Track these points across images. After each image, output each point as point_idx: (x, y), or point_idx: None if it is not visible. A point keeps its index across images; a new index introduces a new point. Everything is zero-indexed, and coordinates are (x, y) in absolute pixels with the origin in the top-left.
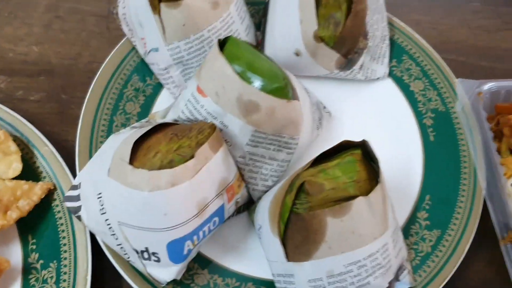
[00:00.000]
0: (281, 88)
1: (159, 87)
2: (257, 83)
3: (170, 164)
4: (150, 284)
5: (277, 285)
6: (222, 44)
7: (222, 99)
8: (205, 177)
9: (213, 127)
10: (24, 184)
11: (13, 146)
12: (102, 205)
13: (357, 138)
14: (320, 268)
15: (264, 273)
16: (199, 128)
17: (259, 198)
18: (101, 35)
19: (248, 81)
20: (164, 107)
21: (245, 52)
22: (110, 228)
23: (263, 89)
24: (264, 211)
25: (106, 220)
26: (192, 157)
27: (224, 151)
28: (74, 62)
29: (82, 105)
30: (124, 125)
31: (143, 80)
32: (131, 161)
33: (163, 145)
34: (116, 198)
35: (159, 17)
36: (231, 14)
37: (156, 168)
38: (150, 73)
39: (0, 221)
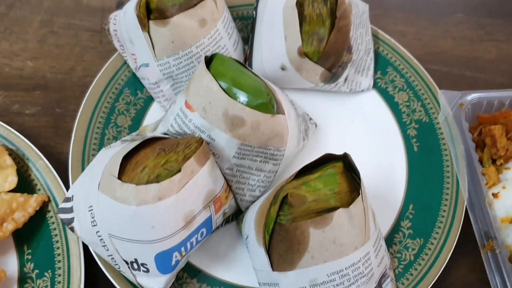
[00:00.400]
0: (265, 104)
1: (150, 100)
2: (242, 98)
3: (157, 179)
4: None
5: None
6: (209, 61)
7: (209, 114)
8: (192, 190)
9: (200, 141)
10: (19, 197)
11: (8, 160)
12: (93, 217)
13: (342, 149)
14: (303, 277)
15: (251, 282)
16: (186, 143)
17: (247, 208)
18: (95, 50)
19: (234, 97)
20: (155, 120)
21: (231, 69)
22: (101, 239)
23: (248, 104)
24: (250, 222)
25: (97, 232)
26: (178, 171)
27: (211, 164)
28: (68, 77)
29: (76, 119)
30: (115, 138)
31: (135, 94)
32: (120, 176)
33: (151, 160)
34: (106, 212)
35: (149, 34)
36: (218, 31)
37: (143, 183)
38: (141, 86)
39: None
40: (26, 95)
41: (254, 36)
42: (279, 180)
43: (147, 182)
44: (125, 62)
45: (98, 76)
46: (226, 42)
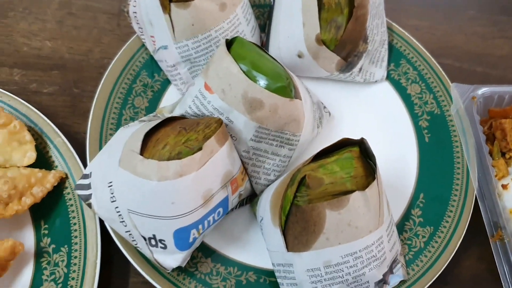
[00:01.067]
0: (284, 87)
1: (166, 83)
2: (262, 81)
3: (178, 156)
4: (156, 270)
5: (276, 274)
6: (229, 44)
7: (228, 96)
8: (211, 169)
9: (219, 122)
10: (38, 172)
11: (28, 136)
12: (112, 193)
13: (355, 137)
14: (318, 258)
15: (264, 263)
16: (206, 123)
17: (261, 191)
18: (112, 32)
19: (253, 79)
20: (171, 103)
21: (251, 52)
22: (119, 215)
23: (267, 87)
24: (266, 204)
25: (116, 207)
26: (199, 149)
27: (230, 145)
28: (86, 58)
29: (93, 99)
30: (132, 119)
31: (152, 76)
32: (141, 153)
33: (172, 138)
34: (126, 187)
35: (169, 16)
36: (237, 16)
37: (164, 159)
38: (158, 69)
39: (15, 207)
40: (44, 75)
41: (272, 23)
42: (292, 166)
43: (168, 159)
44: (143, 45)
45: (116, 57)
46: (244, 28)
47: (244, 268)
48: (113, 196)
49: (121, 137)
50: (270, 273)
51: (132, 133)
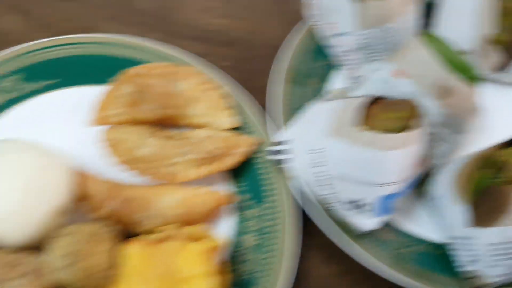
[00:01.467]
0: (474, 78)
1: (329, 67)
2: (455, 71)
3: (391, 131)
4: (341, 231)
5: (455, 246)
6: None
7: (421, 82)
8: (415, 147)
9: (416, 105)
10: (239, 135)
11: (228, 103)
12: (315, 159)
13: (505, 133)
14: (501, 234)
15: (432, 237)
16: (403, 104)
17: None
18: (278, 16)
19: (447, 69)
20: (337, 86)
21: (442, 45)
22: (318, 180)
23: (460, 77)
24: (446, 184)
25: (316, 172)
26: (407, 127)
27: (425, 127)
28: (253, 37)
29: (262, 77)
30: (308, 98)
31: (319, 60)
32: (358, 125)
33: (379, 115)
34: (341, 154)
35: (359, 5)
36: (415, 9)
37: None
38: (324, 54)
39: (220, 165)
40: (217, 50)
41: (435, 20)
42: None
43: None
44: (311, 30)
45: (293, 40)
46: (417, 22)
47: (415, 240)
48: (316, 162)
49: (319, 111)
50: (437, 247)
51: (338, 108)
